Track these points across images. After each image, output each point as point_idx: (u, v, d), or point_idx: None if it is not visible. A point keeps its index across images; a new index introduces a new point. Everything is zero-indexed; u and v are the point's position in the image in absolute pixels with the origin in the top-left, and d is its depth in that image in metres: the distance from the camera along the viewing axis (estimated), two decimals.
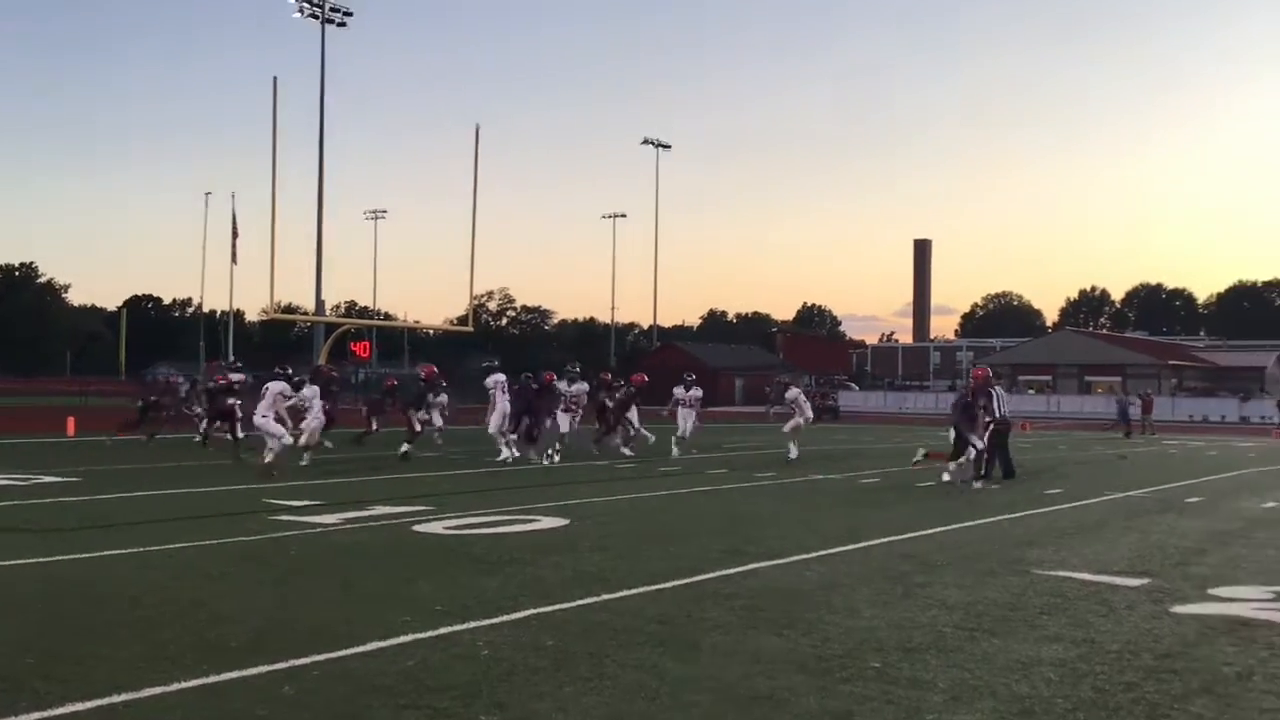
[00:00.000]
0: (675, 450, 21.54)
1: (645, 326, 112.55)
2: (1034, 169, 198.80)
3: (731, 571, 8.37)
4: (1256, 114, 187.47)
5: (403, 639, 5.99)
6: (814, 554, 9.33)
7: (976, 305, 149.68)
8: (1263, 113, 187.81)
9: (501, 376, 20.21)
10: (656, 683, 5.26)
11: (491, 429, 19.80)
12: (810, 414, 22.55)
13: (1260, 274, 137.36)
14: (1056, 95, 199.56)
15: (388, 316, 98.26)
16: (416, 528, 10.68)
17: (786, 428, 21.41)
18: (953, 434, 16.10)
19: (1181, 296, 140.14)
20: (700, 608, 7.05)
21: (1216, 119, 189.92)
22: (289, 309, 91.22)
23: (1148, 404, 44.32)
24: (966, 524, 11.69)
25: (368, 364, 67.41)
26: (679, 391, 22.88)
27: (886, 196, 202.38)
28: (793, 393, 21.97)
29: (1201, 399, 60.81)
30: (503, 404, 19.71)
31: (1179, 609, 7.23)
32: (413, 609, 6.77)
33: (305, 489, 14.02)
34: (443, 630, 6.22)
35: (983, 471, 16.05)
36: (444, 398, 23.02)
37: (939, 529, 11.21)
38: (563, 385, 20.84)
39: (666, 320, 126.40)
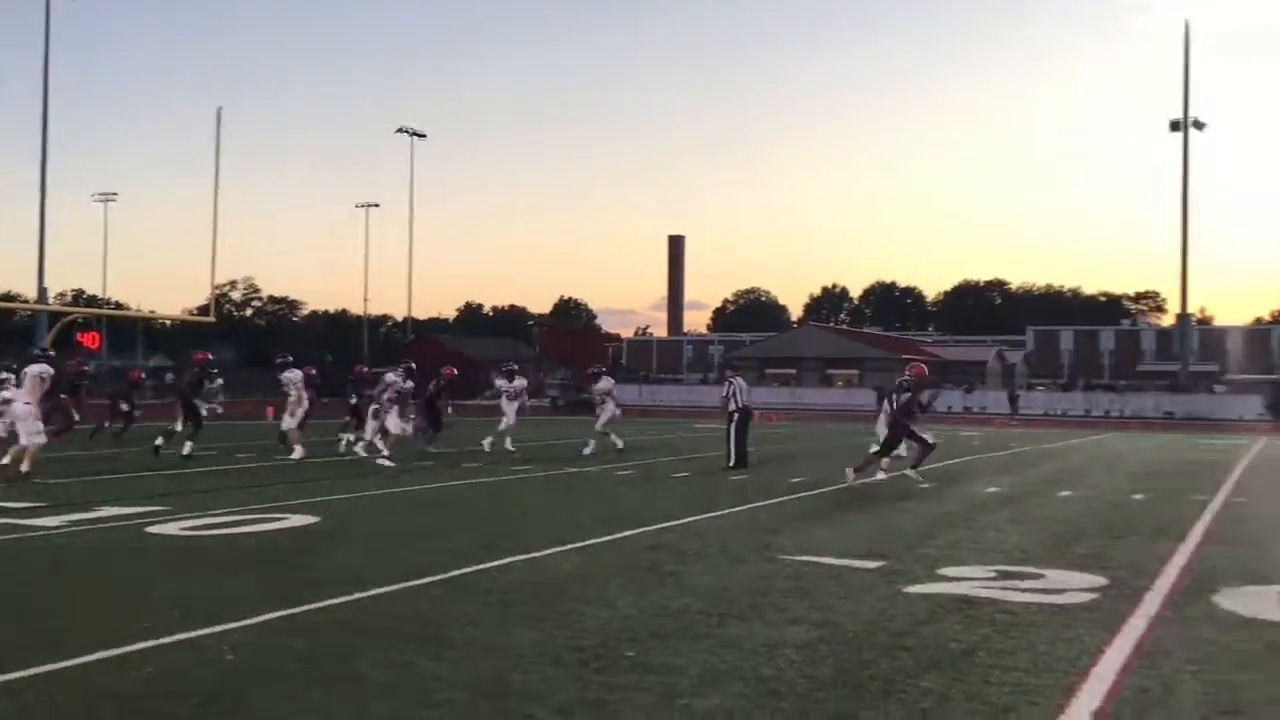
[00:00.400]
0: (508, 445, 21.11)
1: (400, 319, 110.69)
2: (781, 169, 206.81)
3: (487, 566, 8.31)
4: (982, 121, 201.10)
5: (138, 646, 5.65)
6: (570, 546, 9.38)
7: (728, 301, 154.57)
8: (988, 119, 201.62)
9: (299, 373, 19.25)
10: (410, 681, 5.16)
11: (287, 425, 18.78)
12: (618, 410, 22.04)
13: (982, 274, 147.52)
14: (802, 97, 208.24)
15: (119, 305, 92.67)
16: (151, 529, 10.10)
17: (601, 423, 21.31)
18: (886, 433, 15.68)
19: (913, 294, 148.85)
20: (455, 603, 6.97)
21: (944, 126, 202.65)
22: (7, 297, 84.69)
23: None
24: (717, 513, 12.02)
25: (97, 356, 63.33)
26: (501, 383, 22.40)
27: (642, 192, 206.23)
28: (606, 384, 21.76)
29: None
30: (304, 401, 18.79)
31: (911, 589, 7.65)
32: (148, 614, 6.39)
33: (26, 489, 13.03)
34: (182, 636, 5.90)
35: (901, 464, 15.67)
36: (220, 383, 21.34)
37: (691, 518, 11.47)
38: (395, 378, 20.07)
39: (422, 312, 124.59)
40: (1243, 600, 7.42)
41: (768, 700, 4.97)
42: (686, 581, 7.87)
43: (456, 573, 7.97)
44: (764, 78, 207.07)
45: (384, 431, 18.14)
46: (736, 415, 18.13)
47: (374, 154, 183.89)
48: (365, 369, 24.00)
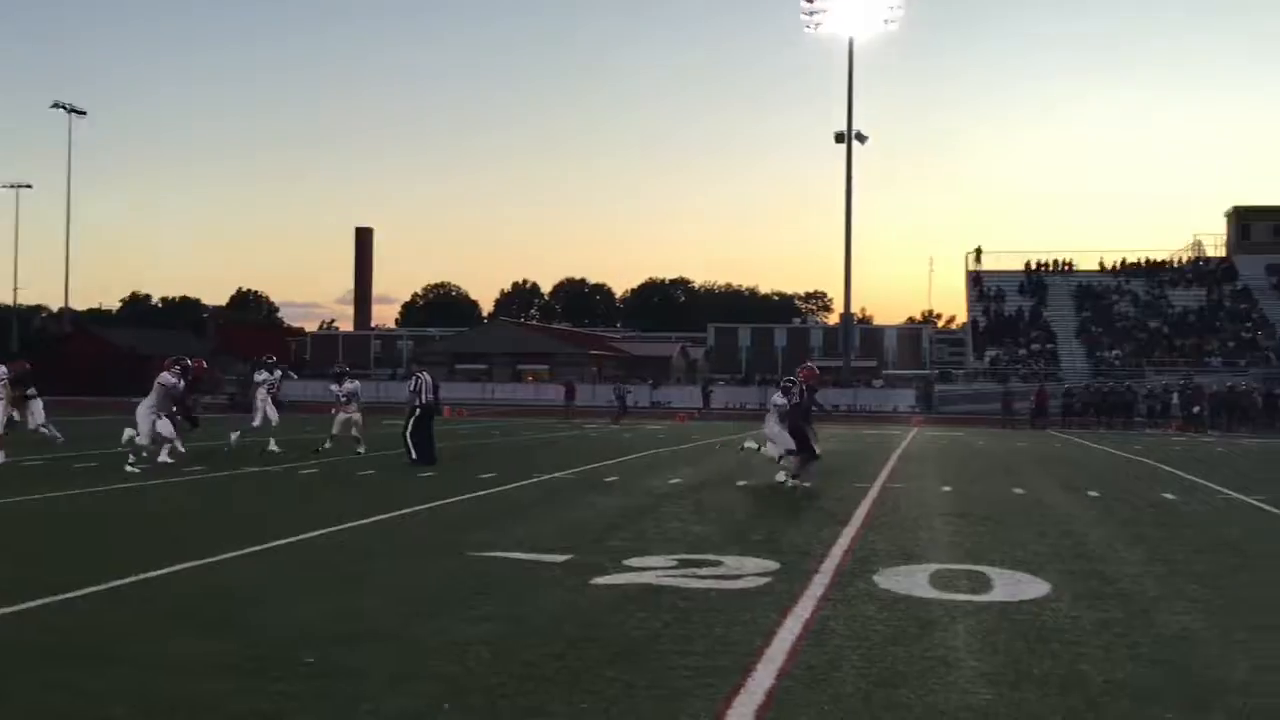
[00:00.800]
0: (273, 445, 19.69)
1: (55, 309, 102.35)
2: (473, 164, 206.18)
3: (155, 574, 7.79)
4: (669, 124, 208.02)
5: None
6: (248, 550, 8.95)
7: (417, 295, 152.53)
8: (674, 123, 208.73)
9: (3, 368, 17.25)
10: (69, 700, 4.77)
11: None
12: (359, 414, 20.97)
13: (667, 273, 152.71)
14: (490, 93, 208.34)
15: None
16: None
17: (343, 426, 20.35)
18: (783, 433, 15.47)
19: (602, 291, 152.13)
20: (117, 615, 6.52)
21: (630, 127, 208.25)
22: None
23: (570, 391, 47.64)
24: (404, 511, 11.82)
25: None
26: (263, 376, 20.74)
27: (327, 182, 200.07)
28: (351, 385, 20.84)
29: (618, 385, 66.17)
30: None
31: (598, 581, 7.79)
32: None
33: None
34: None
35: (795, 472, 15.26)
36: None
37: (377, 517, 11.23)
38: (171, 378, 18.28)
39: (81, 303, 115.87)
40: (897, 579, 8.03)
41: (456, 698, 4.93)
42: (372, 582, 7.70)
43: (120, 582, 7.43)
44: (452, 72, 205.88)
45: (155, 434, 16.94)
46: (418, 411, 17.94)
47: (27, 130, 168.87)
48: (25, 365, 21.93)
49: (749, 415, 50.06)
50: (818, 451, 15.47)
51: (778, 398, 15.68)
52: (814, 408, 15.96)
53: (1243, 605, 7.43)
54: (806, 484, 14.99)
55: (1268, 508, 13.49)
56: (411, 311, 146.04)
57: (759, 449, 16.14)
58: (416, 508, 12.12)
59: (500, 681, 5.19)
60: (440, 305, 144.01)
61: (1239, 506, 13.84)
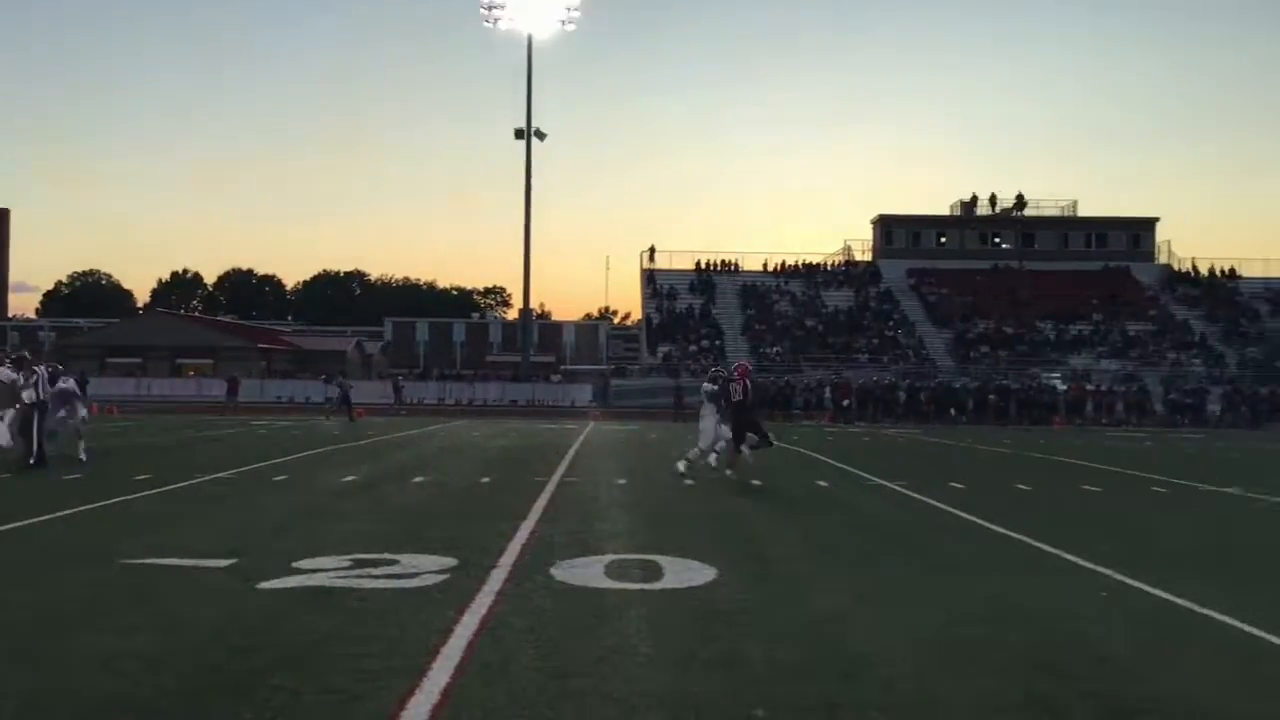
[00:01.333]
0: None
1: None
2: (123, 143, 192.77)
3: None
4: (340, 110, 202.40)
5: None
6: None
7: (61, 283, 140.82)
8: (347, 110, 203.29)
9: None
10: None
11: None
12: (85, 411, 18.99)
13: (342, 265, 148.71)
14: (142, 67, 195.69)
15: None
16: None
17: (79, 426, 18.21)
18: (723, 428, 16.04)
19: (271, 283, 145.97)
20: None
21: (298, 117, 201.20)
22: None
23: (234, 386, 45.60)
24: (47, 516, 10.85)
25: None
26: (15, 376, 17.69)
27: None
28: (68, 383, 18.63)
29: (289, 381, 63.73)
30: None
31: (265, 585, 7.44)
32: None
33: None
34: None
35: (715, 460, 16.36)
36: None
37: (15, 524, 10.24)
38: (7, 371, 15.22)
39: None
40: (574, 571, 8.14)
41: (99, 718, 4.54)
42: (9, 594, 7.02)
43: None
44: (100, 42, 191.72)
45: None
46: (36, 409, 16.47)
47: None
48: None
49: (425, 411, 49.60)
50: (772, 440, 16.51)
51: (707, 386, 16.55)
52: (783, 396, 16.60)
53: (887, 584, 8.03)
54: (728, 472, 15.82)
55: (909, 493, 14.67)
56: (55, 300, 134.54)
57: (691, 464, 16.33)
58: (60, 513, 11.15)
59: (151, 696, 4.85)
60: (89, 294, 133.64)
61: (883, 491, 14.98)
